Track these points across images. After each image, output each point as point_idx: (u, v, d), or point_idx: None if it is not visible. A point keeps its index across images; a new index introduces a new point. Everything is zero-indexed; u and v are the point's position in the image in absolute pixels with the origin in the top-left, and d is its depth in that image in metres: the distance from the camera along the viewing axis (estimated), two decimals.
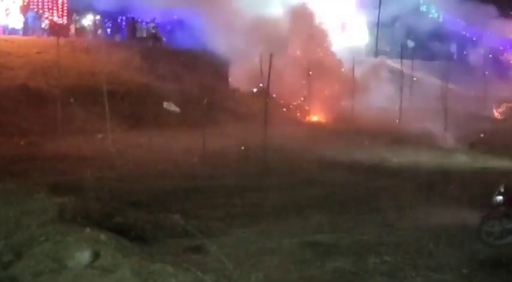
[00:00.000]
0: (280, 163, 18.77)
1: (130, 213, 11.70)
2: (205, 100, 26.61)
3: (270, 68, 21.76)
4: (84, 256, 7.98)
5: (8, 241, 9.15)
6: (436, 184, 16.75)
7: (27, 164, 17.43)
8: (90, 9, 37.00)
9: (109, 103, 22.87)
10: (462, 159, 21.83)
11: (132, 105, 26.25)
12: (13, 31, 34.29)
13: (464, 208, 13.39)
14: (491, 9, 40.88)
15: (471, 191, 15.10)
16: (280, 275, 8.55)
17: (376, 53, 40.98)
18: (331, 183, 16.32)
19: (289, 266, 8.95)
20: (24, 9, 35.09)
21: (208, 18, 31.31)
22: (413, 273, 9.09)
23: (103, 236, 9.06)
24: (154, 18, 38.09)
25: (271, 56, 21.09)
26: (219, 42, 29.48)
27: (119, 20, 39.47)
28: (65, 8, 36.76)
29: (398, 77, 30.63)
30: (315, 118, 29.64)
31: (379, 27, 40.73)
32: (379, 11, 40.22)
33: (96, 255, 8.10)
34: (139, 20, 39.11)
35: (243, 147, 21.70)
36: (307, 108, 29.97)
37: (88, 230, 9.32)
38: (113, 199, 12.63)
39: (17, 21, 34.58)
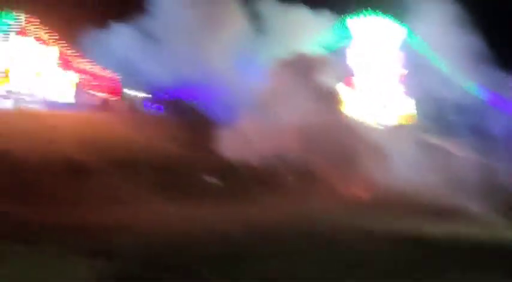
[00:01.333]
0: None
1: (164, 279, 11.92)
2: (245, 173, 27.05)
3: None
4: None
5: None
6: (477, 259, 16.47)
7: (68, 232, 17.69)
8: (137, 86, 38.18)
9: (148, 174, 23.30)
10: (505, 234, 21.40)
11: (173, 177, 26.55)
12: (58, 105, 35.36)
13: None
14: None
15: None
16: None
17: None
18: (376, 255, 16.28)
19: None
20: (77, 85, 36.36)
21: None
22: None
23: None
24: (197, 95, 38.83)
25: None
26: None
27: (163, 96, 40.32)
28: (114, 85, 37.86)
29: (434, 149, 30.47)
30: (351, 190, 29.47)
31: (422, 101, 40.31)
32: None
33: None
34: (182, 96, 39.89)
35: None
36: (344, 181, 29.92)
37: None
38: (147, 263, 12.84)
39: (68, 96, 35.79)
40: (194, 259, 14.13)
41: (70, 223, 19.26)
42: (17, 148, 26.46)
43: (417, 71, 38.31)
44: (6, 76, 34.51)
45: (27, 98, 34.57)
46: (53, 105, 35.38)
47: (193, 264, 13.86)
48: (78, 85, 36.64)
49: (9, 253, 12.39)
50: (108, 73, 37.11)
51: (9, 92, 34.47)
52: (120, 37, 36.79)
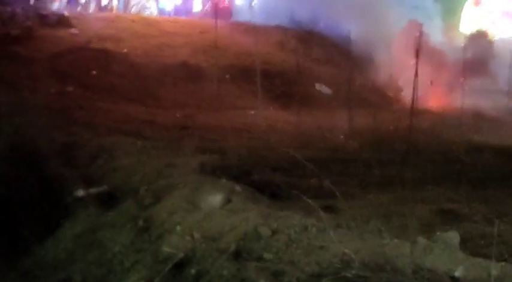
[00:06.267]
0: (427, 143, 18.51)
1: (268, 173, 12.16)
2: (357, 82, 26.83)
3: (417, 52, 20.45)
4: (216, 200, 8.45)
5: (150, 187, 9.87)
6: None
7: (180, 132, 18.30)
8: None
9: (262, 82, 23.53)
10: None
11: (285, 85, 26.78)
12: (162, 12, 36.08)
13: None
14: None
15: None
16: (402, 234, 8.55)
17: None
18: (476, 163, 15.87)
19: (416, 227, 8.94)
20: None
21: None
22: None
23: (237, 187, 9.54)
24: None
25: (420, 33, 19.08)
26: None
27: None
28: None
29: None
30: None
31: None
32: None
33: (228, 201, 8.55)
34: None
35: (391, 127, 21.56)
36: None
37: (224, 180, 9.85)
38: (254, 162, 13.13)
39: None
40: (300, 161, 14.10)
41: (184, 124, 19.93)
42: (136, 52, 27.33)
43: None
44: None
45: (147, 5, 35.41)
46: (169, 12, 36.14)
47: (299, 165, 13.85)
48: None
49: (131, 146, 13.11)
50: None
51: None
52: None
